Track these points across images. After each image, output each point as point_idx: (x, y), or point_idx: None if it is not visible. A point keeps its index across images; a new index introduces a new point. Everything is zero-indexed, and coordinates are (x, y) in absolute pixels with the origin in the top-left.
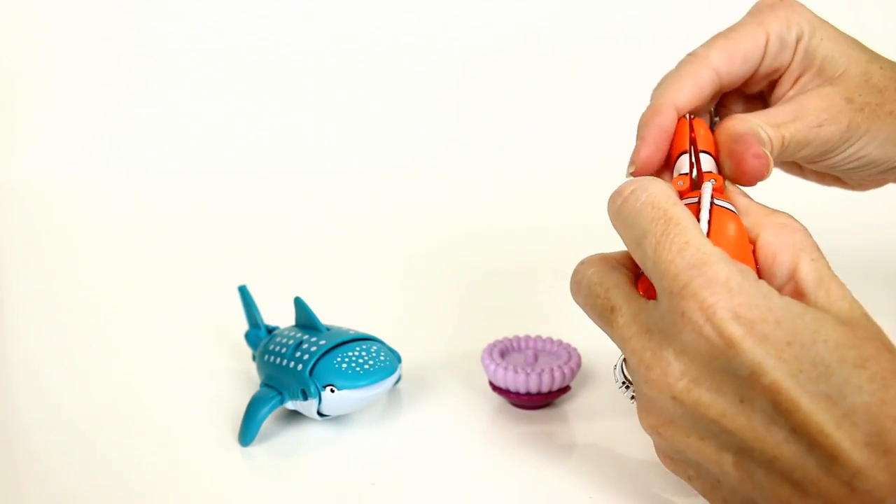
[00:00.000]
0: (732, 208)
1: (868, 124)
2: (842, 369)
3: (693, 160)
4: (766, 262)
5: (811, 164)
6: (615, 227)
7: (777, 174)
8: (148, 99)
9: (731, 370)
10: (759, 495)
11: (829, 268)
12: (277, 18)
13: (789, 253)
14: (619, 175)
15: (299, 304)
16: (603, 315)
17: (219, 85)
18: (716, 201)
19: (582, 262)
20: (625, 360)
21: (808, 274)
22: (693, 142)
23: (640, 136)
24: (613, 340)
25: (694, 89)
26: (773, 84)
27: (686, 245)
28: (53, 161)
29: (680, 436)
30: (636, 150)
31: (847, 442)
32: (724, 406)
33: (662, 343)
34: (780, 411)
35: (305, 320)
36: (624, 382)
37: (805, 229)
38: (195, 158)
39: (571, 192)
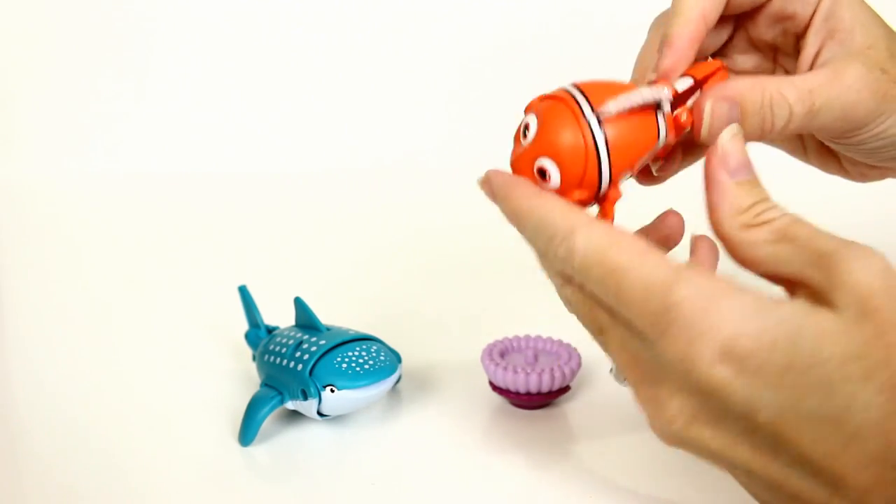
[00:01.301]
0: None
1: None
2: (846, 387)
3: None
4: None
5: (833, 142)
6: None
7: (775, 162)
8: (148, 99)
9: (727, 409)
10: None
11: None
12: (277, 18)
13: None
14: None
15: (299, 304)
16: (595, 335)
17: (219, 85)
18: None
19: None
20: None
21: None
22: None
23: (668, 42)
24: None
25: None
26: (790, 40)
27: (646, 292)
28: (53, 161)
29: (690, 451)
30: (662, 57)
31: (852, 464)
32: (725, 440)
33: (654, 381)
34: (782, 443)
35: (305, 320)
36: (625, 379)
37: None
38: (195, 158)
39: None
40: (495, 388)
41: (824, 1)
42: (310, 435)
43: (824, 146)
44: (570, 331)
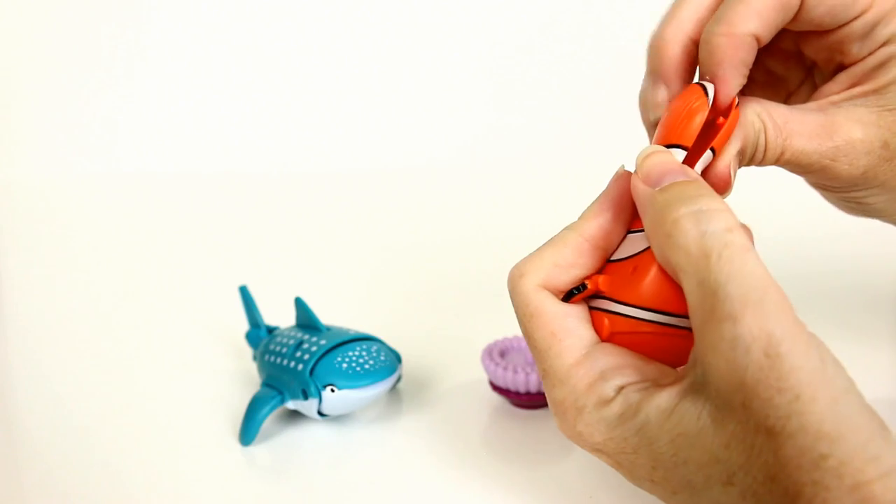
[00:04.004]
0: (612, 309)
1: (886, 177)
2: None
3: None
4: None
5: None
6: None
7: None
8: (148, 99)
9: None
10: None
11: None
12: (278, 18)
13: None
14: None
15: (299, 304)
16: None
17: (219, 85)
18: (593, 305)
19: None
20: None
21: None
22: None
23: (717, 62)
24: None
25: (779, 14)
26: (835, 69)
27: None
28: (53, 161)
29: None
30: (722, 82)
31: None
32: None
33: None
34: None
35: (306, 320)
36: None
37: None
38: (195, 158)
39: (573, 191)
40: (495, 388)
41: (889, 47)
42: (310, 435)
43: None
44: None
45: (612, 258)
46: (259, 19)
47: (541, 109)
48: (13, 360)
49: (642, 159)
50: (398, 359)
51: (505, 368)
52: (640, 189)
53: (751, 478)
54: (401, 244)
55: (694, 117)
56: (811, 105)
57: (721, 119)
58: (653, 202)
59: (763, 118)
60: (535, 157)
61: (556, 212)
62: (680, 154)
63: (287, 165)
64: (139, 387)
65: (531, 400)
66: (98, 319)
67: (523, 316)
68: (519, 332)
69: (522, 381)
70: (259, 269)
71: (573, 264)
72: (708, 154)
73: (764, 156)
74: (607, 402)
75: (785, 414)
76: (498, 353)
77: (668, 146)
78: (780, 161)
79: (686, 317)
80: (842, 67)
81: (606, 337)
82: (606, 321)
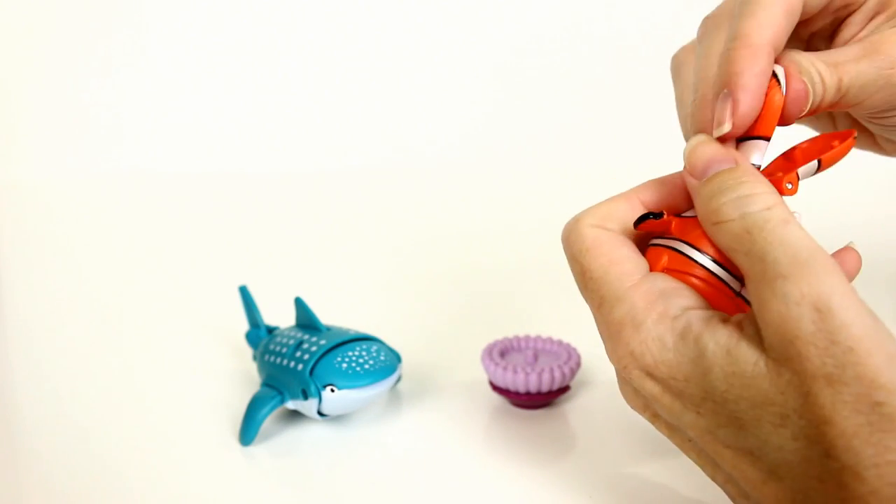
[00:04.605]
0: (674, 247)
1: None
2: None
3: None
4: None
5: (872, 119)
6: None
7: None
8: (148, 99)
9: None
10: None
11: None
12: (277, 17)
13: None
14: (616, 172)
15: (299, 304)
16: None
17: (219, 85)
18: (656, 241)
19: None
20: None
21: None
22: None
23: (740, 84)
24: None
25: (788, 20)
26: (837, 25)
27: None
28: (53, 161)
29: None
30: (736, 103)
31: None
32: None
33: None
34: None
35: (305, 320)
36: None
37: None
38: (195, 158)
39: (573, 190)
40: (495, 388)
41: None
42: (310, 435)
43: (858, 122)
44: (570, 331)
45: (683, 215)
46: (258, 19)
47: (540, 108)
48: (13, 360)
49: (688, 153)
50: (398, 359)
51: (505, 368)
52: (688, 182)
53: (805, 421)
54: (401, 244)
55: (771, 107)
56: (839, 46)
57: (836, 142)
58: (699, 195)
59: (810, 58)
60: (536, 157)
61: (557, 212)
62: (762, 145)
63: (286, 165)
64: (139, 387)
65: (531, 400)
66: (98, 319)
67: (578, 252)
68: (519, 333)
69: (522, 381)
70: (259, 269)
71: (627, 215)
72: (813, 164)
73: (824, 91)
74: (672, 318)
75: (841, 363)
76: (498, 353)
77: (749, 138)
78: (840, 93)
79: (737, 277)
80: (838, 24)
81: (660, 270)
82: (665, 257)
